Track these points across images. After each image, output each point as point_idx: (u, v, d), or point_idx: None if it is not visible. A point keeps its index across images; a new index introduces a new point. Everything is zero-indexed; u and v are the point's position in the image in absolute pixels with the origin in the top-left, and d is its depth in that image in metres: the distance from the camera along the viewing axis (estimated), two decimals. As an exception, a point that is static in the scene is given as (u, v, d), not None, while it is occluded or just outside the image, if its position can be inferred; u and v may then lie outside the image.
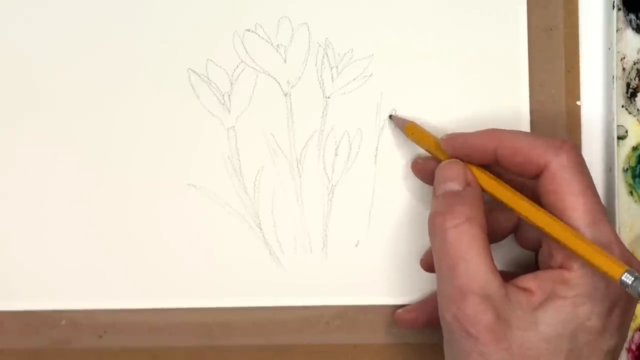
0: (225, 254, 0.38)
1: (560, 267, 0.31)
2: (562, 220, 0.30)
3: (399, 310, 0.38)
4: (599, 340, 0.30)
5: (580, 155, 0.31)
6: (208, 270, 0.38)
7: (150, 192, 0.38)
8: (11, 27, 0.39)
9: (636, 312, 0.38)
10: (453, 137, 0.34)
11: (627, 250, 0.31)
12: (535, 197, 0.32)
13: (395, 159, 0.38)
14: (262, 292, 0.38)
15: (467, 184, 0.32)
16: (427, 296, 0.38)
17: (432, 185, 0.34)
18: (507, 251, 0.37)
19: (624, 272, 0.28)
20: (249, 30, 0.38)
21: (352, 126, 0.38)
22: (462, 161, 0.33)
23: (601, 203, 0.31)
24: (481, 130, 0.33)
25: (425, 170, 0.36)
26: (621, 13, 0.38)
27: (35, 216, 0.38)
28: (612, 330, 0.30)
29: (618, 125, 0.38)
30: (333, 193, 0.38)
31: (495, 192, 0.32)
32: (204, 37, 0.38)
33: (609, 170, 0.38)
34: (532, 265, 0.37)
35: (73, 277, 0.38)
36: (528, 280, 0.31)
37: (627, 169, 0.38)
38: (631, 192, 0.38)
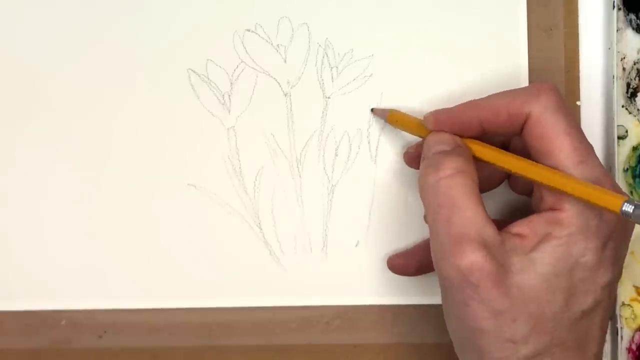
0: (225, 254, 0.38)
1: (552, 209, 0.30)
2: (551, 162, 0.30)
3: (391, 256, 0.38)
4: (594, 276, 0.30)
5: (560, 96, 0.31)
6: (208, 270, 0.38)
7: (150, 192, 0.38)
8: (10, 27, 0.39)
9: (636, 312, 0.38)
10: (436, 113, 0.34)
11: (617, 185, 0.31)
12: (522, 154, 0.32)
13: (396, 159, 0.38)
14: (262, 292, 0.38)
15: (457, 145, 0.32)
16: (417, 243, 0.38)
17: None
18: (501, 198, 0.37)
19: (624, 203, 0.28)
20: (249, 30, 0.38)
21: (352, 126, 0.38)
22: None
23: (587, 140, 0.31)
24: (461, 104, 0.33)
25: (418, 158, 0.36)
26: (621, 13, 0.37)
27: (35, 216, 0.38)
28: (607, 264, 0.30)
29: (618, 125, 0.38)
30: (333, 193, 0.38)
31: (485, 157, 0.32)
32: (204, 37, 0.38)
33: (609, 170, 0.38)
34: (526, 210, 0.37)
35: (73, 277, 0.38)
36: (521, 226, 0.31)
37: (628, 169, 0.38)
38: (631, 192, 0.38)
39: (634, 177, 0.38)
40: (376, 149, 0.38)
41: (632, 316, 0.38)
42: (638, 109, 0.38)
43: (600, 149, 0.39)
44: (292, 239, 0.38)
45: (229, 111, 0.38)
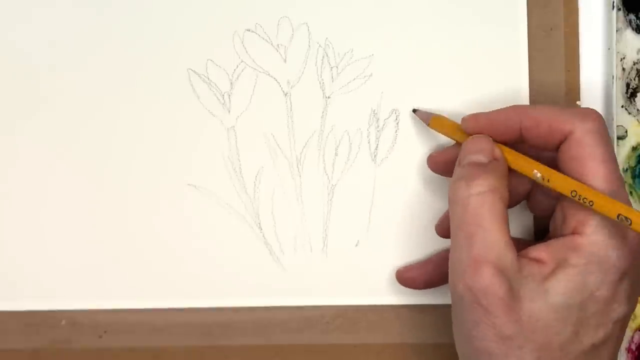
0: (225, 254, 0.38)
1: (573, 232, 0.30)
2: None
3: (400, 268, 0.38)
4: (607, 310, 0.30)
5: (605, 124, 0.31)
6: (208, 271, 0.38)
7: (151, 192, 0.38)
8: (12, 28, 0.39)
9: (636, 312, 0.38)
10: (476, 116, 0.34)
11: None
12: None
13: (396, 158, 0.38)
14: (262, 292, 0.38)
15: (494, 158, 0.32)
16: (428, 257, 0.38)
17: (449, 176, 0.33)
18: (517, 218, 0.37)
19: None
20: (249, 30, 0.38)
21: (352, 126, 0.38)
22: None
23: (619, 172, 0.31)
24: (503, 108, 0.33)
25: (442, 162, 0.36)
26: (621, 13, 0.38)
27: (35, 216, 0.38)
28: (621, 299, 0.30)
29: (618, 126, 0.38)
30: (333, 193, 0.38)
31: (522, 170, 0.32)
32: (204, 37, 0.38)
33: (609, 170, 0.38)
34: (540, 231, 0.37)
35: (73, 277, 0.38)
36: (539, 250, 0.30)
37: (627, 169, 0.38)
38: (631, 193, 0.38)
39: (633, 177, 0.38)
40: (376, 149, 0.38)
41: (632, 316, 0.38)
42: (637, 109, 0.38)
43: (600, 149, 0.39)
44: (292, 239, 0.38)
45: (229, 111, 0.38)
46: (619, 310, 0.30)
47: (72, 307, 0.39)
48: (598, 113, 0.32)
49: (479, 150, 0.32)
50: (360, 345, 0.38)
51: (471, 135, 0.34)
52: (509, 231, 0.30)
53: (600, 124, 0.31)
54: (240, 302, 0.38)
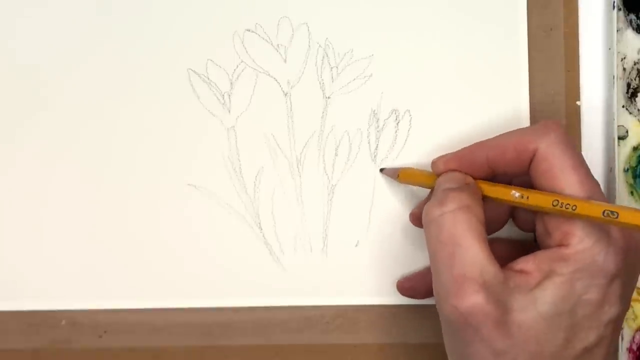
0: (225, 254, 0.38)
1: (559, 245, 0.30)
2: None
3: (401, 279, 0.38)
4: (598, 312, 0.30)
5: (566, 133, 0.31)
6: (208, 270, 0.38)
7: (151, 192, 0.38)
8: (12, 28, 0.39)
9: (636, 312, 0.38)
10: (443, 157, 0.34)
11: None
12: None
13: (396, 158, 0.38)
14: (262, 292, 0.38)
15: (465, 183, 0.32)
16: (427, 267, 0.37)
17: None
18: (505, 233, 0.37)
19: None
20: (249, 30, 0.38)
21: (352, 126, 0.38)
22: None
23: (593, 176, 0.31)
24: (468, 145, 0.34)
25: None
26: (621, 13, 0.37)
27: (36, 216, 0.39)
28: (613, 301, 0.30)
29: (618, 126, 0.38)
30: (333, 193, 0.38)
31: (500, 196, 0.32)
32: (204, 37, 0.38)
33: (610, 170, 0.38)
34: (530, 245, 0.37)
35: (73, 277, 0.38)
36: (525, 262, 0.30)
37: (628, 169, 0.38)
38: (632, 192, 0.38)
39: (634, 177, 0.38)
40: (376, 149, 0.38)
41: (633, 316, 0.38)
42: (638, 109, 0.38)
43: (600, 149, 0.39)
44: (292, 239, 0.38)
45: (229, 111, 0.38)
46: (610, 311, 0.30)
47: (72, 307, 0.39)
48: (558, 123, 0.32)
49: (450, 180, 0.33)
50: (360, 345, 0.38)
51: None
52: (487, 245, 0.30)
53: (562, 133, 0.31)
54: (240, 302, 0.38)
